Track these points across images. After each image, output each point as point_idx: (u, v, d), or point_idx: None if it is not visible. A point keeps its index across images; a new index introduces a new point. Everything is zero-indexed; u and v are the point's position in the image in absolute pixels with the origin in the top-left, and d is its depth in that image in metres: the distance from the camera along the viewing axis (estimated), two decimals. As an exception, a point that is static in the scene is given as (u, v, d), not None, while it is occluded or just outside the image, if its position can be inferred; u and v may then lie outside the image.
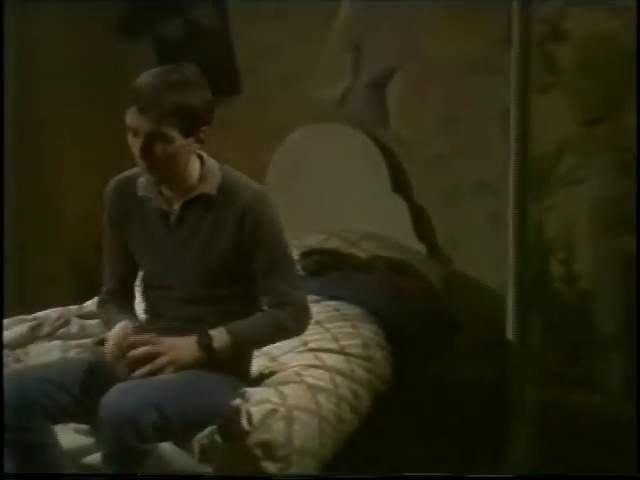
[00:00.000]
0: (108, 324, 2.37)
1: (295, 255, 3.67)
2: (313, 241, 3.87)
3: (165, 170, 2.20)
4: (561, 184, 2.66)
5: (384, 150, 4.19)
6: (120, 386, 2.17)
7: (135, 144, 2.17)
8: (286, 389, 2.40)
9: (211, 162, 2.32)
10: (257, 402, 2.30)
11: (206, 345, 2.20)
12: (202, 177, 2.28)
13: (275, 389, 2.39)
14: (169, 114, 2.12)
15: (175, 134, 2.15)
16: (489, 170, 4.01)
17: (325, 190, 4.14)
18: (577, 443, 2.57)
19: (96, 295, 3.95)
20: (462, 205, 4.10)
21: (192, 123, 2.17)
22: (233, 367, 2.34)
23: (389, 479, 2.37)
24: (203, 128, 2.21)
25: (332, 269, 3.53)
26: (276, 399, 2.34)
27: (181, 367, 2.18)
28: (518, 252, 2.96)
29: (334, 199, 4.12)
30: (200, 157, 2.30)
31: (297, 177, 4.19)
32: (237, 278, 2.33)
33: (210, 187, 2.28)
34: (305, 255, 3.64)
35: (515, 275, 2.90)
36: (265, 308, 2.37)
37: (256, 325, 2.31)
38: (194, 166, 2.27)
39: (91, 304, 3.09)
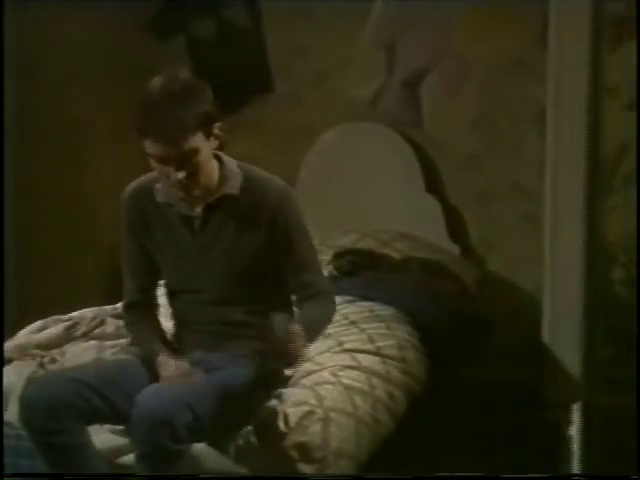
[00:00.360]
0: (139, 344, 2.39)
1: (328, 255, 3.69)
2: (346, 241, 3.85)
3: (198, 181, 2.16)
4: (622, 186, 2.64)
5: (417, 150, 4.16)
6: (154, 386, 2.17)
7: (163, 170, 2.12)
8: (322, 390, 2.39)
9: (229, 161, 2.29)
10: (294, 403, 2.30)
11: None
12: (223, 178, 2.24)
13: (312, 390, 2.37)
14: (188, 127, 2.07)
15: (199, 143, 2.11)
16: (524, 171, 3.98)
17: (358, 190, 4.11)
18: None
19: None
20: (496, 206, 4.06)
21: (208, 124, 2.13)
22: None
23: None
24: (217, 124, 2.17)
25: (366, 269, 3.50)
26: (313, 400, 2.33)
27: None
28: (587, 255, 2.96)
29: (367, 199, 4.09)
30: (218, 158, 2.26)
31: (330, 177, 4.17)
32: (266, 276, 2.32)
33: (232, 188, 2.25)
34: (339, 255, 3.62)
35: (583, 278, 2.87)
36: (295, 308, 2.36)
37: (315, 316, 2.31)
38: (213, 167, 2.23)
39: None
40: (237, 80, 4.45)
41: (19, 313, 4.46)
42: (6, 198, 4.46)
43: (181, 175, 2.10)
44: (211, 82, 4.51)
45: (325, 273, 3.54)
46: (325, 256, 3.70)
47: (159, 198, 2.27)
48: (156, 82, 2.12)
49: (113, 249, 4.52)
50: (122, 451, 2.37)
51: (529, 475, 2.31)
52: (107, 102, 4.49)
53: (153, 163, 2.15)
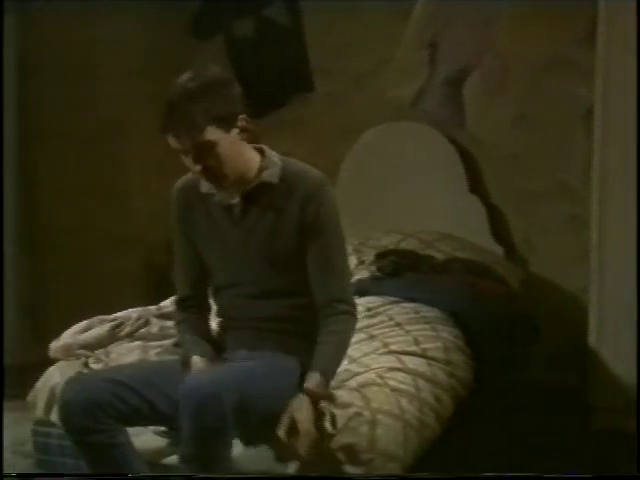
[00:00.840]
0: (183, 342, 2.37)
1: (370, 256, 3.66)
2: (389, 242, 3.81)
3: (221, 172, 2.19)
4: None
5: (460, 149, 4.11)
6: (201, 371, 2.18)
7: (187, 162, 2.19)
8: (369, 392, 2.35)
9: (272, 154, 2.31)
10: (341, 405, 2.27)
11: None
12: (262, 168, 2.27)
13: (358, 392, 2.33)
14: (200, 123, 2.12)
15: (217, 135, 2.14)
16: (568, 171, 3.92)
17: (399, 190, 4.07)
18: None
19: (167, 294, 3.97)
20: (540, 206, 4.00)
21: (227, 118, 2.16)
22: None
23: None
24: (241, 116, 2.20)
25: (409, 270, 3.45)
26: (360, 402, 2.29)
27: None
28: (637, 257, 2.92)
29: (409, 199, 4.05)
30: (261, 151, 2.30)
31: (371, 176, 4.13)
32: (303, 268, 2.29)
33: (270, 176, 2.26)
34: (381, 256, 3.58)
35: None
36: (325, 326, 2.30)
37: (333, 352, 2.28)
38: (253, 159, 2.27)
39: (170, 304, 3.07)
40: (277, 79, 4.44)
41: (60, 312, 4.49)
42: (46, 197, 4.50)
43: (198, 167, 2.16)
44: (251, 81, 4.56)
45: (367, 274, 3.55)
46: (367, 256, 3.68)
47: (203, 189, 2.30)
48: (179, 79, 2.18)
49: (149, 248, 4.58)
50: (164, 452, 2.36)
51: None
52: (145, 101, 4.49)
53: (182, 157, 2.20)
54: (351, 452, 2.22)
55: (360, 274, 3.48)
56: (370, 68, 4.33)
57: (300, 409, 2.15)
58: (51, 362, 4.04)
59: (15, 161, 4.39)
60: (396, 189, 4.09)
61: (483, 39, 4.06)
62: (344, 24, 4.40)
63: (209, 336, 2.39)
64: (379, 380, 2.44)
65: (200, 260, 2.36)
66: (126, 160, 4.44)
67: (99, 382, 2.17)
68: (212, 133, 2.13)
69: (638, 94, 3.17)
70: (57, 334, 4.32)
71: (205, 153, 2.14)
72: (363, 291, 3.25)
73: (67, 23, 4.41)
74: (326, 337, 2.25)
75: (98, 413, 2.12)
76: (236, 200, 2.28)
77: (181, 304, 2.41)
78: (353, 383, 2.41)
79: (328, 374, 2.23)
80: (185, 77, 2.17)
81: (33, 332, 4.51)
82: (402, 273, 3.45)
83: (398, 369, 2.55)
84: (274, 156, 2.30)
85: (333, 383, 2.35)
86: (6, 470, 2.95)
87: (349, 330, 2.31)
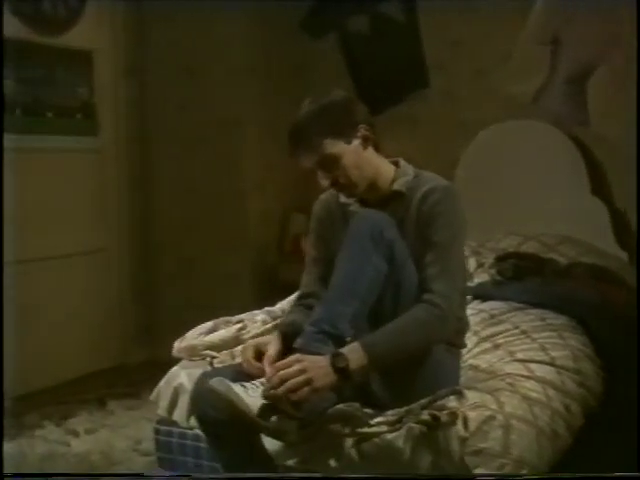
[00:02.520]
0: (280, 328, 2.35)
1: (490, 258, 3.54)
2: (508, 244, 3.68)
3: (350, 182, 2.25)
4: None
5: (583, 149, 3.95)
6: None
7: (319, 178, 2.26)
8: (502, 396, 2.25)
9: (406, 166, 2.37)
10: (474, 407, 2.17)
11: (341, 368, 2.06)
12: (395, 179, 2.33)
13: (491, 395, 2.24)
14: (318, 138, 2.20)
15: (338, 148, 2.21)
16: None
17: (518, 191, 3.94)
18: None
19: (279, 294, 3.94)
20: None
21: (346, 130, 2.23)
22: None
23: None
24: (361, 126, 2.25)
25: (530, 274, 3.32)
26: (493, 405, 2.20)
27: (317, 390, 2.04)
28: None
29: (528, 200, 3.91)
30: (396, 163, 2.36)
31: (489, 176, 4.02)
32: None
33: (401, 185, 2.31)
34: (501, 259, 3.45)
35: None
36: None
37: (393, 332, 2.14)
38: (386, 169, 2.33)
39: (287, 306, 3.03)
40: (392, 76, 4.36)
41: (170, 312, 4.53)
42: (159, 197, 4.53)
43: (327, 182, 2.25)
44: (365, 79, 4.49)
45: (487, 277, 3.43)
46: (485, 259, 3.57)
47: (341, 199, 2.37)
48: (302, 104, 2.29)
49: (260, 248, 4.57)
50: (289, 454, 2.31)
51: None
52: (258, 99, 4.49)
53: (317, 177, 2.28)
54: (484, 456, 2.11)
55: (480, 277, 3.37)
56: (488, 65, 4.22)
57: (317, 365, 2.03)
58: (163, 361, 4.10)
59: (128, 161, 4.45)
60: (514, 189, 3.96)
61: (609, 33, 3.88)
62: (461, 20, 4.30)
63: (300, 324, 2.30)
64: (509, 387, 2.34)
65: (330, 263, 2.33)
66: (240, 159, 4.42)
67: (233, 376, 2.15)
68: (332, 146, 2.21)
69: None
70: (168, 333, 4.38)
71: (330, 166, 2.23)
72: (484, 295, 3.15)
73: (175, 22, 4.44)
74: (395, 320, 2.15)
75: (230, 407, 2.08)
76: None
77: (300, 298, 2.42)
78: (483, 387, 2.31)
79: (372, 351, 2.08)
80: (306, 101, 2.28)
81: (145, 331, 4.56)
82: (523, 277, 3.32)
83: (527, 377, 2.44)
84: (408, 168, 2.35)
85: (463, 383, 2.29)
86: (126, 468, 2.98)
87: (423, 318, 2.16)
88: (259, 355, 2.20)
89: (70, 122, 4.22)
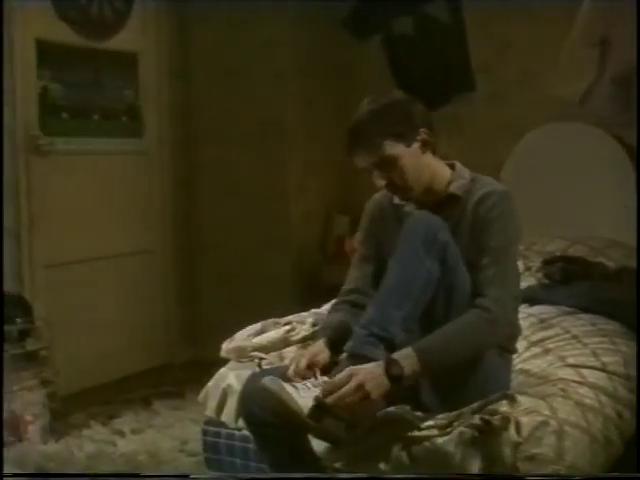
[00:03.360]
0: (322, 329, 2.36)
1: (537, 262, 3.51)
2: (555, 247, 3.63)
3: (406, 185, 2.26)
4: None
5: (630, 152, 3.90)
6: None
7: (375, 179, 2.26)
8: (554, 402, 2.22)
9: (462, 169, 2.36)
10: (525, 411, 2.14)
11: (395, 376, 2.05)
12: (451, 181, 2.32)
13: (544, 400, 2.21)
14: (379, 139, 2.20)
15: (397, 150, 2.21)
16: None
17: (565, 194, 3.90)
18: None
19: (320, 296, 3.93)
20: None
21: (406, 133, 2.23)
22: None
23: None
24: (421, 130, 2.25)
25: (579, 278, 3.28)
26: (546, 411, 2.16)
27: (373, 401, 2.03)
28: None
29: (575, 203, 3.87)
30: (452, 166, 2.35)
31: (535, 178, 3.97)
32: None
33: (457, 188, 2.30)
34: (548, 262, 3.42)
35: None
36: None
37: (445, 337, 2.13)
38: (443, 173, 2.32)
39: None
40: (437, 78, 4.34)
41: (213, 312, 4.55)
42: (208, 198, 4.56)
43: (383, 182, 2.25)
44: (410, 80, 4.46)
45: (534, 280, 3.40)
46: (532, 262, 3.53)
47: (395, 200, 2.37)
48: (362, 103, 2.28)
49: (302, 249, 4.57)
50: (337, 456, 2.30)
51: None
52: (302, 102, 4.50)
53: (372, 177, 2.28)
54: (536, 462, 2.09)
55: (527, 281, 3.34)
56: (535, 67, 4.18)
57: (371, 375, 2.02)
58: (207, 361, 4.11)
59: (172, 163, 4.48)
60: (561, 192, 3.92)
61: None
62: (507, 21, 4.27)
63: (347, 326, 2.30)
64: (562, 392, 2.31)
65: (379, 261, 2.36)
66: (283, 160, 4.43)
67: (281, 376, 2.15)
68: (392, 147, 2.21)
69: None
70: (212, 334, 4.39)
71: (388, 167, 2.23)
72: (533, 299, 3.10)
73: (219, 24, 4.47)
74: (448, 324, 2.14)
75: (278, 407, 2.07)
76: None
77: (345, 294, 2.41)
78: (535, 392, 2.29)
79: (425, 356, 2.07)
80: (366, 100, 2.27)
81: (189, 331, 4.59)
82: (572, 281, 3.27)
83: (580, 382, 2.41)
84: (464, 171, 2.34)
85: (514, 388, 2.27)
86: (173, 468, 2.99)
87: (476, 323, 2.14)
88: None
89: (116, 124, 4.26)
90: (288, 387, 2.04)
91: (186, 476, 2.11)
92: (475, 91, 4.33)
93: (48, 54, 3.82)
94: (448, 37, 4.36)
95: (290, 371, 2.15)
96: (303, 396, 2.03)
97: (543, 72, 4.12)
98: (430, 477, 2.13)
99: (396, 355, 2.07)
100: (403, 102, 2.27)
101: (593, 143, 3.94)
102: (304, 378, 2.11)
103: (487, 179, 2.33)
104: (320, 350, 2.21)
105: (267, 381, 2.05)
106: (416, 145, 2.24)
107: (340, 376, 2.03)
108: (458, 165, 2.35)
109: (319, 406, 2.00)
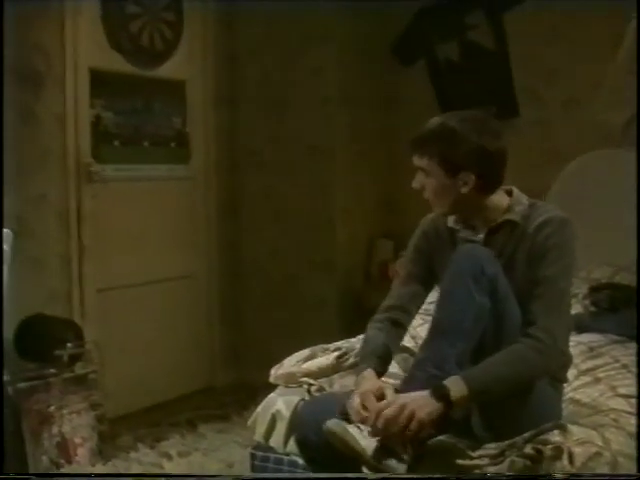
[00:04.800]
0: (361, 350, 2.36)
1: (583, 289, 3.49)
2: (601, 274, 3.62)
3: (439, 201, 2.28)
4: None
5: (677, 179, 3.87)
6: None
7: (415, 179, 2.30)
8: (607, 433, 2.21)
9: (520, 195, 2.35)
10: (579, 442, 2.13)
11: (444, 398, 2.05)
12: (509, 208, 2.30)
13: (596, 431, 2.20)
14: (425, 152, 2.24)
15: (432, 170, 2.24)
16: None
17: (610, 220, 3.88)
18: None
19: (363, 320, 3.92)
20: None
21: (449, 165, 2.23)
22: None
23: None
24: (463, 173, 2.23)
25: (626, 306, 3.26)
26: (599, 442, 2.15)
27: (422, 427, 2.03)
28: None
29: (620, 230, 3.83)
30: (510, 192, 2.34)
31: (580, 205, 3.93)
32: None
33: (514, 215, 2.28)
34: (595, 289, 3.41)
35: None
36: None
37: (494, 366, 2.12)
38: (501, 199, 2.31)
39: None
40: (481, 104, 4.34)
41: (260, 336, 4.58)
42: (249, 222, 4.60)
43: (414, 184, 2.29)
44: (454, 106, 4.46)
45: (580, 308, 3.39)
46: (579, 289, 3.51)
47: (449, 223, 2.38)
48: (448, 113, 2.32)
49: (347, 272, 4.59)
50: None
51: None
52: (348, 130, 4.52)
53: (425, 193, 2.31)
54: (589, 493, 2.10)
55: (574, 308, 3.32)
56: (580, 92, 4.18)
57: (422, 403, 2.03)
58: (250, 384, 4.15)
59: (217, 188, 4.53)
60: (606, 219, 3.90)
61: None
62: (551, 48, 4.28)
63: (390, 351, 2.33)
64: (614, 422, 2.30)
65: (427, 281, 2.39)
66: (328, 186, 4.46)
67: (335, 400, 2.19)
68: (430, 165, 2.24)
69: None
70: (255, 357, 4.44)
71: (424, 176, 2.26)
72: (580, 327, 3.10)
73: (267, 52, 4.52)
74: (497, 354, 2.13)
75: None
76: (480, 237, 2.30)
77: (387, 310, 2.39)
78: (587, 422, 2.28)
79: (472, 382, 2.06)
80: (450, 113, 2.30)
81: (233, 354, 4.62)
82: (619, 308, 3.26)
83: (630, 413, 2.40)
84: (522, 197, 2.33)
85: (565, 417, 2.27)
86: None
87: (525, 353, 2.13)
88: None
89: (165, 151, 4.32)
90: (351, 429, 2.05)
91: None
92: (519, 117, 4.35)
93: (101, 83, 3.89)
94: (492, 63, 4.38)
95: (354, 417, 2.10)
96: (365, 436, 2.04)
97: (588, 99, 4.12)
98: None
99: (444, 382, 2.07)
100: (484, 120, 2.28)
101: (637, 170, 3.91)
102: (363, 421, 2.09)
103: (547, 205, 2.33)
104: (372, 385, 2.17)
105: (331, 424, 2.05)
106: (460, 182, 2.23)
107: (392, 409, 2.04)
108: (515, 191, 2.34)
109: (383, 448, 2.03)
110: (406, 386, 2.14)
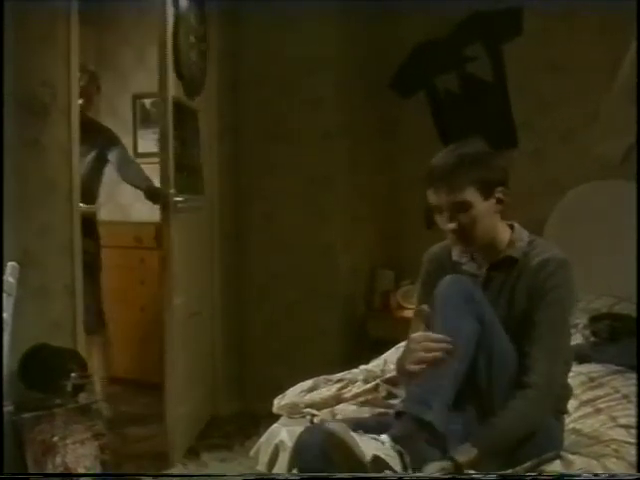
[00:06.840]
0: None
1: (583, 319, 3.52)
2: (601, 305, 3.66)
3: (472, 235, 2.27)
4: None
5: (676, 209, 3.91)
6: None
7: (441, 221, 2.29)
8: (609, 463, 2.23)
9: (522, 231, 2.38)
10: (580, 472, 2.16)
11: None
12: (510, 243, 2.34)
13: (597, 461, 2.22)
14: (463, 183, 2.22)
15: (475, 198, 2.23)
16: None
17: (608, 251, 3.92)
18: None
19: (365, 350, 3.94)
20: None
21: (488, 186, 2.25)
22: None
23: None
24: (499, 189, 2.28)
25: (626, 336, 3.29)
26: (600, 471, 2.18)
27: None
28: None
29: (618, 261, 3.88)
30: (512, 227, 2.38)
31: (578, 235, 4.00)
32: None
33: (515, 251, 2.32)
34: (595, 319, 3.44)
35: None
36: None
37: (500, 432, 2.16)
38: (504, 234, 2.35)
39: (380, 364, 3.07)
40: (480, 135, 4.39)
41: (263, 366, 4.59)
42: (255, 253, 4.61)
43: (452, 225, 2.25)
44: (453, 137, 4.51)
45: (580, 338, 3.42)
46: (578, 319, 3.54)
47: (454, 257, 2.41)
48: (453, 144, 2.35)
49: (348, 302, 4.61)
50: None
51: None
52: (348, 161, 4.56)
53: (436, 218, 2.30)
54: (591, 524, 2.12)
55: (574, 338, 3.35)
56: (577, 124, 4.25)
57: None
58: (253, 413, 4.16)
59: (221, 218, 4.55)
60: (604, 250, 3.94)
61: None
62: (548, 80, 4.35)
63: None
64: (615, 453, 2.32)
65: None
66: (329, 216, 4.49)
67: (335, 427, 2.16)
68: (472, 195, 2.23)
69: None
70: (258, 386, 4.45)
71: (461, 212, 2.24)
72: (580, 357, 3.12)
73: (267, 83, 4.57)
74: (501, 413, 2.16)
75: (334, 456, 2.08)
76: (482, 271, 2.34)
77: None
78: (588, 452, 2.30)
79: (484, 449, 2.11)
80: (452, 146, 2.32)
81: (235, 384, 4.63)
82: (619, 338, 3.30)
83: (631, 443, 2.42)
84: (523, 233, 2.37)
85: (566, 448, 2.29)
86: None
87: (528, 409, 2.18)
88: None
89: (193, 181, 4.22)
90: (351, 432, 2.07)
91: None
92: (517, 148, 4.41)
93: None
94: (491, 95, 4.44)
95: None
96: (365, 442, 2.05)
97: (585, 130, 4.19)
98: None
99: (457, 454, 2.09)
100: (492, 155, 2.33)
101: (636, 200, 3.95)
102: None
103: (546, 244, 2.35)
104: None
105: (332, 425, 2.08)
106: (493, 201, 2.26)
107: None
108: (517, 226, 2.37)
109: (381, 459, 2.03)
110: (402, 404, 2.17)
